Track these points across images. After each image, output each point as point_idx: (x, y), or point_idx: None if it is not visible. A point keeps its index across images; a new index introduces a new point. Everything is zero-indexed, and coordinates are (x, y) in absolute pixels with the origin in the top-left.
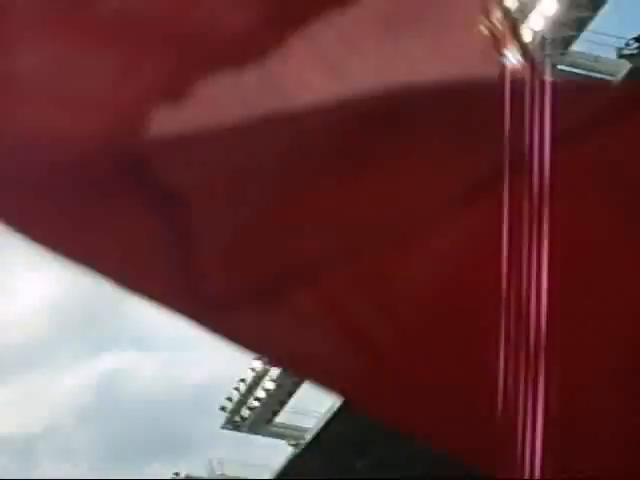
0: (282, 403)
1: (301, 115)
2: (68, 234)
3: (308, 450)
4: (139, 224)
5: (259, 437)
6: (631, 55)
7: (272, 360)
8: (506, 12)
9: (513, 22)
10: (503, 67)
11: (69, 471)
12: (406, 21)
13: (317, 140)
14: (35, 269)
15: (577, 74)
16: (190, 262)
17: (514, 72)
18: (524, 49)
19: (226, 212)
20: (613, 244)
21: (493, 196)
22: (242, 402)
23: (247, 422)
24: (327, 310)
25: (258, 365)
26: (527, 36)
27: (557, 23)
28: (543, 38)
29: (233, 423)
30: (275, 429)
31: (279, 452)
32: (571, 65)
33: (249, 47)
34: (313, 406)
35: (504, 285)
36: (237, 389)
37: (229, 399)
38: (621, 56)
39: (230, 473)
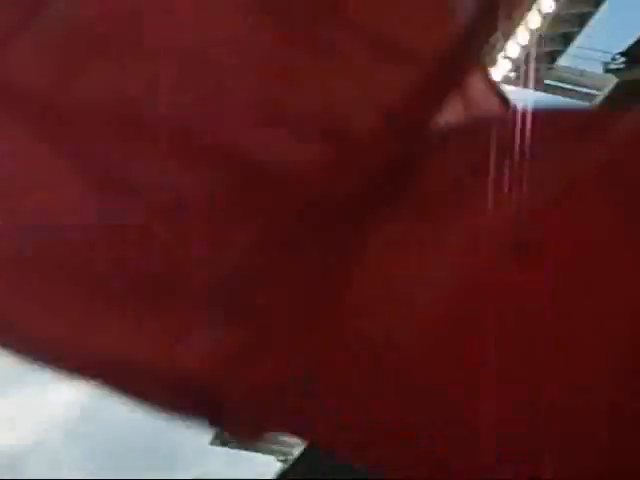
0: None
1: None
2: None
3: (296, 466)
4: None
5: (248, 453)
6: (617, 69)
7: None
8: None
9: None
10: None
11: None
12: None
13: None
14: None
15: (563, 88)
16: None
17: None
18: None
19: None
20: (613, 244)
21: None
22: None
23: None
24: None
25: None
26: (514, 51)
27: (543, 38)
28: (530, 52)
29: (221, 439)
30: (263, 445)
31: (268, 468)
32: (557, 79)
33: None
34: None
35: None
36: None
37: None
38: (607, 70)
39: None
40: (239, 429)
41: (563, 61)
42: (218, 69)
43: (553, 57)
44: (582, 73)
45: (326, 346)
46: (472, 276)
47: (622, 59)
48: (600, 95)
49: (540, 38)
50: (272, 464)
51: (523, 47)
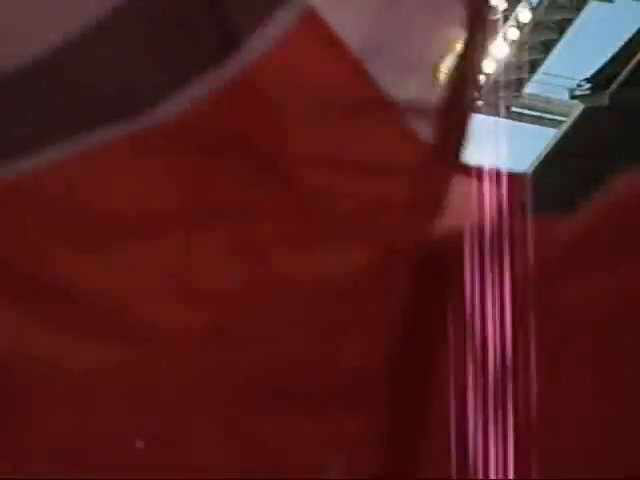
0: None
1: None
2: None
3: None
4: None
5: None
6: (583, 96)
7: None
8: None
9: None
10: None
11: None
12: None
13: None
14: None
15: (530, 116)
16: None
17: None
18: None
19: None
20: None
21: None
22: None
23: None
24: None
25: None
26: (480, 80)
27: (508, 66)
28: (495, 81)
29: None
30: None
31: None
32: (524, 107)
33: None
34: None
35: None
36: None
37: None
38: (573, 97)
39: None
40: None
41: (529, 88)
42: None
43: (519, 85)
44: (548, 100)
45: None
46: None
47: (588, 85)
48: (566, 121)
49: (506, 66)
50: None
51: (489, 76)
